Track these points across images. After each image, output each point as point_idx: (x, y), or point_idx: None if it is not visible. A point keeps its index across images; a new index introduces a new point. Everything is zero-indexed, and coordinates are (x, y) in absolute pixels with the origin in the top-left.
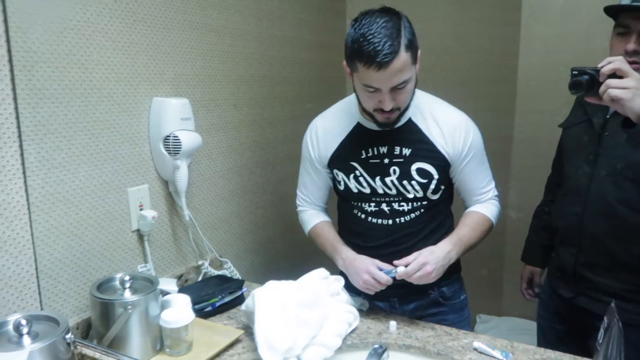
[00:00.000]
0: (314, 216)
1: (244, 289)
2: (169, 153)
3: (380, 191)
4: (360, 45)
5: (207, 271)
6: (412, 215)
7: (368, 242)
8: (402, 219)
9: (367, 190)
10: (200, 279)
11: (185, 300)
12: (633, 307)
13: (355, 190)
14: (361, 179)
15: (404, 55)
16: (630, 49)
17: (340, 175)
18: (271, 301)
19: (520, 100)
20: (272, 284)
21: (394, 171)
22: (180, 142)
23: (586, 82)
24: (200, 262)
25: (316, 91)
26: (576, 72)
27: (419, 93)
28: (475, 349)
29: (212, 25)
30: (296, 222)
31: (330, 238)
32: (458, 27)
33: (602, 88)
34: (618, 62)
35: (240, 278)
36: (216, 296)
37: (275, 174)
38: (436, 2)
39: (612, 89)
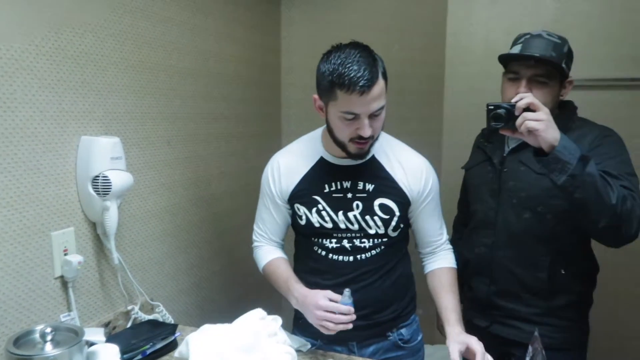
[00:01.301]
0: (269, 252)
1: (177, 334)
2: (97, 194)
3: (343, 226)
4: (341, 74)
5: (138, 316)
6: (373, 252)
7: (328, 280)
8: (363, 256)
9: (329, 225)
10: (129, 325)
11: (113, 351)
12: (540, 329)
13: (317, 225)
14: (324, 212)
15: (381, 82)
16: (521, 92)
17: (302, 210)
18: (207, 347)
19: (446, 135)
20: (207, 328)
21: (357, 206)
22: (110, 182)
23: (504, 115)
24: (129, 307)
25: (252, 128)
26: (492, 107)
27: (382, 134)
28: None
29: (146, 63)
30: (233, 260)
31: (284, 276)
32: (387, 66)
33: (519, 120)
34: (531, 97)
35: (172, 322)
36: (147, 343)
37: (211, 211)
38: (365, 42)
39: (529, 121)
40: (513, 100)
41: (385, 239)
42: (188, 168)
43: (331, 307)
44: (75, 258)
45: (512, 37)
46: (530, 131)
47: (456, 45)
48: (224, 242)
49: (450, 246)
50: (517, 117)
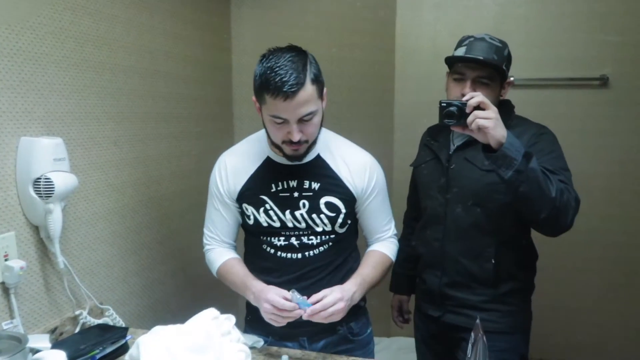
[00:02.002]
0: (222, 254)
1: (128, 337)
2: (39, 196)
3: (290, 225)
4: (268, 77)
5: (86, 321)
6: (321, 248)
7: (278, 278)
8: (311, 253)
9: (277, 224)
10: (78, 330)
11: (59, 357)
12: (486, 315)
13: (265, 224)
14: (271, 212)
15: (309, 88)
16: (466, 93)
17: (250, 210)
18: (158, 348)
19: (398, 133)
20: (158, 330)
21: (304, 205)
22: (52, 185)
23: (456, 112)
24: (77, 312)
25: (203, 127)
26: (445, 104)
27: (327, 132)
28: None
29: (90, 61)
30: (187, 260)
31: (241, 274)
32: (339, 66)
33: (470, 118)
34: (481, 96)
35: (123, 325)
36: (96, 348)
37: (162, 212)
38: (314, 43)
39: (480, 119)
40: (464, 99)
41: (332, 235)
42: (137, 169)
43: (277, 303)
44: (16, 263)
45: (457, 39)
46: (480, 128)
47: (405, 46)
48: (177, 243)
49: (395, 239)
50: (467, 114)
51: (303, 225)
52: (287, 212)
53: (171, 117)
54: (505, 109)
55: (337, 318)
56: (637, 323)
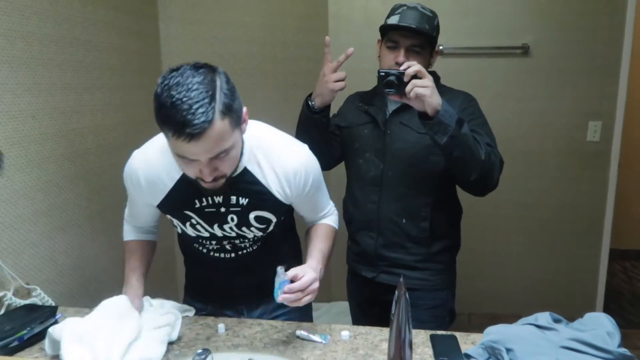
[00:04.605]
0: (130, 231)
1: (58, 315)
2: None
3: (220, 235)
4: (167, 113)
5: (12, 302)
6: (255, 247)
7: (215, 271)
8: (245, 251)
9: (206, 234)
10: (2, 312)
11: None
12: (419, 274)
13: (193, 235)
14: (198, 226)
15: (219, 124)
16: (400, 61)
17: (175, 221)
18: (78, 321)
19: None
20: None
21: (232, 219)
22: None
23: (395, 81)
24: (1, 294)
25: (131, 99)
26: (383, 74)
27: (253, 135)
28: (298, 337)
29: None
30: (120, 237)
31: (127, 269)
32: (272, 34)
33: (409, 87)
34: (418, 65)
35: (53, 304)
36: (24, 328)
37: (90, 187)
38: (244, 11)
39: (417, 87)
40: (402, 68)
41: (265, 235)
42: (59, 143)
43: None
44: None
45: (388, 7)
46: (418, 96)
47: (338, 14)
48: (108, 220)
49: (335, 212)
50: (405, 83)
51: (234, 234)
52: (215, 225)
53: (94, 88)
54: (433, 79)
55: (312, 299)
56: (554, 274)
